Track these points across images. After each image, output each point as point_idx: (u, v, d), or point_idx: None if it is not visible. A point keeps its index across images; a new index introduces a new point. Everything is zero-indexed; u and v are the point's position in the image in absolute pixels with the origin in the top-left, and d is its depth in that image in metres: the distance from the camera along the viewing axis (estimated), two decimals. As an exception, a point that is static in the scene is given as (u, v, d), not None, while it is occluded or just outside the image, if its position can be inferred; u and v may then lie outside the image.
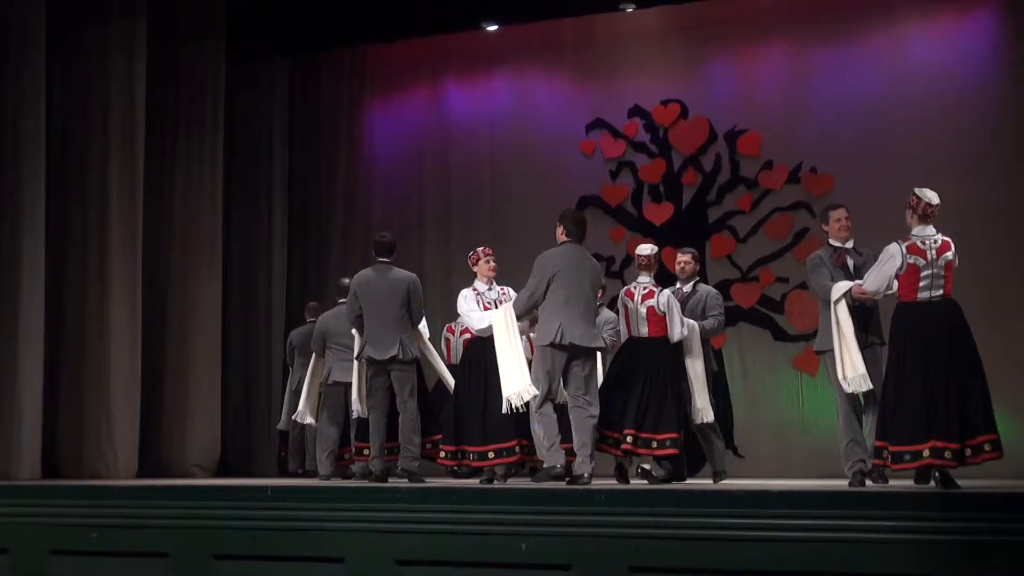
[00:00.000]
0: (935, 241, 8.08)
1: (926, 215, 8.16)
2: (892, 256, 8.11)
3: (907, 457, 7.67)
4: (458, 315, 10.09)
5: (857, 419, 8.68)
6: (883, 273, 8.18)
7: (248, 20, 14.20)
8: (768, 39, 13.90)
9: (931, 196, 8.16)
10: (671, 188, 14.11)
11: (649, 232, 13.94)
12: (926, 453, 7.59)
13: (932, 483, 7.85)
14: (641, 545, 6.46)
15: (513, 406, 8.86)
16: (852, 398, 8.62)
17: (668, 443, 9.13)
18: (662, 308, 9.47)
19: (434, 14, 14.16)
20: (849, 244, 9.03)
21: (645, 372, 9.29)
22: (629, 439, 9.07)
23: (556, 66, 14.85)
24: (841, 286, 8.62)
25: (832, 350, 8.64)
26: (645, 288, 9.55)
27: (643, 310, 9.47)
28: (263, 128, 15.45)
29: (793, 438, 12.82)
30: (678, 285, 10.21)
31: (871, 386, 8.40)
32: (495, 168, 14.81)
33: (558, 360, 8.74)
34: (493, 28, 14.72)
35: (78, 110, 12.82)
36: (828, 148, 13.23)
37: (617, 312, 9.80)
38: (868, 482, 8.52)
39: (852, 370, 8.43)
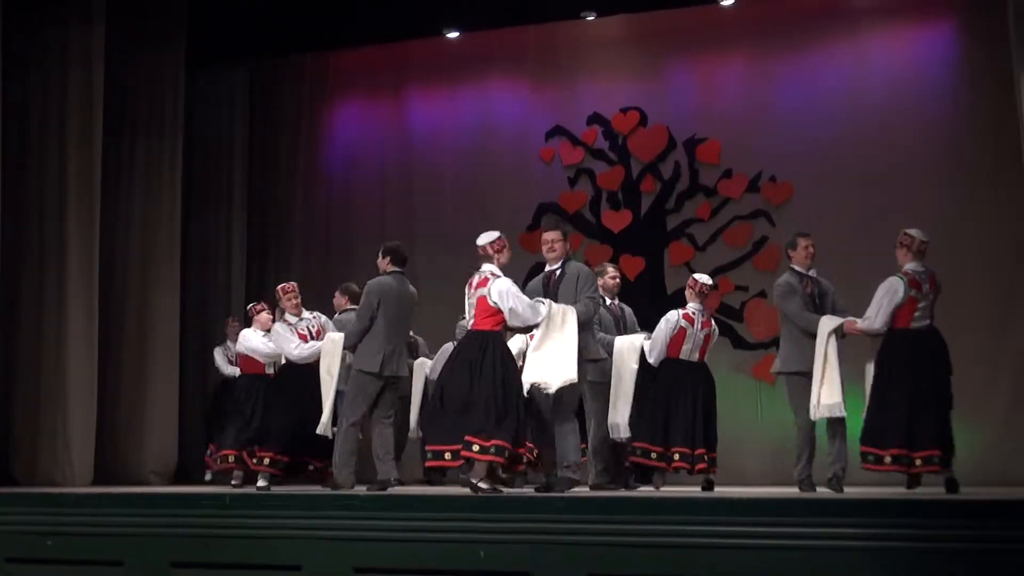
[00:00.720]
0: (927, 274, 8.80)
1: (921, 252, 8.88)
2: (895, 290, 8.75)
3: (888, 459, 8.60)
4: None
5: (814, 437, 9.21)
6: (887, 308, 8.76)
7: (208, 26, 14.07)
8: (728, 48, 13.97)
9: (923, 234, 8.90)
10: (630, 195, 14.13)
11: (607, 239, 13.99)
12: (918, 462, 8.49)
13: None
14: (600, 553, 6.45)
15: (553, 389, 8.40)
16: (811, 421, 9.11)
17: (713, 461, 9.94)
18: (715, 338, 10.24)
19: (396, 21, 14.13)
20: (812, 272, 9.46)
21: (702, 395, 9.94)
22: (706, 459, 9.74)
23: (517, 73, 14.87)
24: (829, 323, 8.99)
25: (796, 373, 9.18)
26: (704, 316, 10.12)
27: (701, 336, 10.03)
28: (222, 135, 15.39)
29: (752, 445, 12.84)
30: (608, 301, 10.35)
31: (844, 414, 8.91)
32: (456, 174, 14.81)
33: None
34: (455, 35, 14.72)
35: (35, 117, 12.67)
36: (788, 157, 13.31)
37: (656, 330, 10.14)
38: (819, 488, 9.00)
39: (829, 398, 8.88)
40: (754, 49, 13.85)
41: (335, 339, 10.01)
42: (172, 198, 13.90)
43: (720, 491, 9.39)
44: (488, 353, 8.37)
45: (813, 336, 9.06)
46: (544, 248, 9.03)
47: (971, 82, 12.79)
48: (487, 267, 8.72)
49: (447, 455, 8.39)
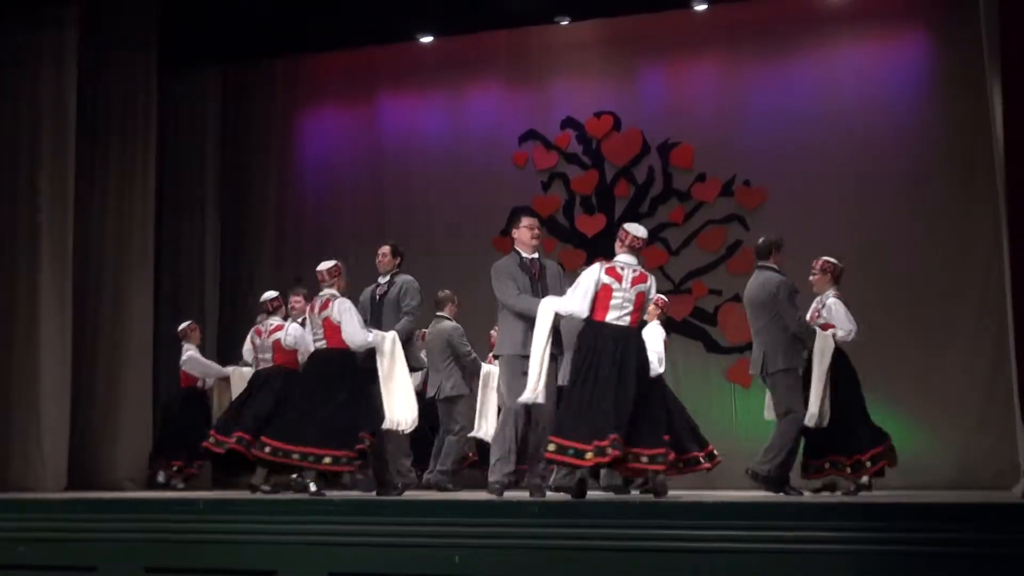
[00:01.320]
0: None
1: (839, 278, 9.83)
2: (843, 304, 9.62)
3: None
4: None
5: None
6: (852, 319, 9.56)
7: (181, 29, 14.01)
8: (702, 53, 14.01)
9: (840, 262, 9.87)
10: (603, 200, 14.15)
11: (581, 244, 13.99)
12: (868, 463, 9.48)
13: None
14: (576, 557, 6.46)
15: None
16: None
17: None
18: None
19: (369, 25, 14.09)
20: None
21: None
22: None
23: (490, 77, 14.88)
24: (828, 340, 9.48)
25: (784, 370, 9.31)
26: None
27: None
28: (195, 138, 15.34)
29: (727, 450, 12.81)
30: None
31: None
32: (428, 178, 14.79)
33: None
34: (428, 40, 14.70)
35: (8, 119, 12.61)
36: (761, 161, 13.34)
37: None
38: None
39: (823, 407, 9.37)
40: (727, 54, 13.89)
41: (393, 337, 9.43)
42: (145, 200, 13.82)
43: (695, 495, 9.42)
44: (644, 353, 8.46)
45: (799, 340, 9.36)
46: (529, 235, 9.07)
47: (944, 90, 12.85)
48: (633, 260, 8.56)
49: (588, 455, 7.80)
